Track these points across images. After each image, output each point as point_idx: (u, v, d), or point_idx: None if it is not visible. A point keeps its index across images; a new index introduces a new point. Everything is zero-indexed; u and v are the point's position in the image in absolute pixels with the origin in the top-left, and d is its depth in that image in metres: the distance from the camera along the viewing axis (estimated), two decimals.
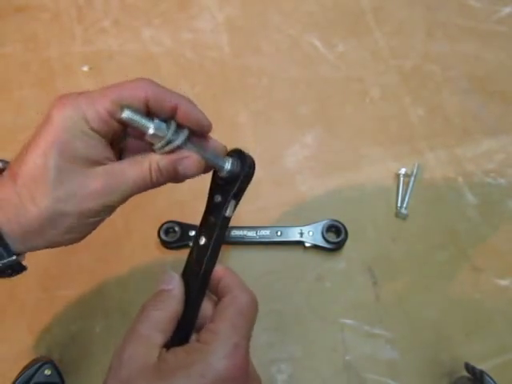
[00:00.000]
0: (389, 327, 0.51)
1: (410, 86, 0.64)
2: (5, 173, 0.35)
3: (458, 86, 0.64)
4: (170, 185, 0.38)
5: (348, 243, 0.54)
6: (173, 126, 0.35)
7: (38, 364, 0.45)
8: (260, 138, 0.61)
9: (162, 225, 0.54)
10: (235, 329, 0.33)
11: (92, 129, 0.34)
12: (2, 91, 0.64)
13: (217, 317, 0.34)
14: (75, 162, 0.33)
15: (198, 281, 0.37)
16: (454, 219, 0.56)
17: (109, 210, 0.36)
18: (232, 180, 0.37)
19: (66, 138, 0.33)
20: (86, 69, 0.65)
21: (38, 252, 0.54)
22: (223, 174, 0.37)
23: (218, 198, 0.37)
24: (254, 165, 0.37)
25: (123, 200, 0.36)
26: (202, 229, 0.38)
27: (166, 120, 0.35)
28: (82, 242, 0.55)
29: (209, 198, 0.38)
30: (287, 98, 0.64)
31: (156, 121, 0.34)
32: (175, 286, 0.37)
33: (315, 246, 0.54)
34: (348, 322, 0.52)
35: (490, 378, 0.43)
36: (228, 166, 0.37)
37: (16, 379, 0.45)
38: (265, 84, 0.64)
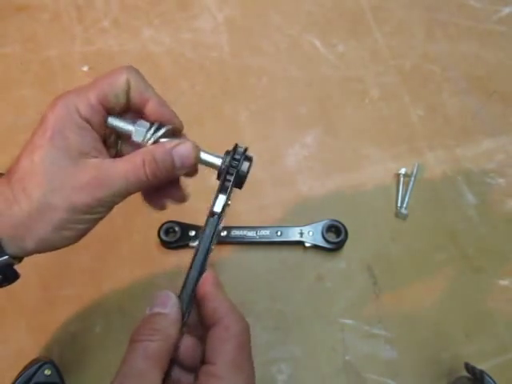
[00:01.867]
0: (388, 327, 0.51)
1: (410, 86, 0.64)
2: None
3: (457, 86, 0.64)
4: None
5: (348, 243, 0.54)
6: (154, 125, 0.36)
7: (37, 364, 0.45)
8: (260, 137, 0.61)
9: (162, 225, 0.54)
10: (239, 369, 0.31)
11: (83, 117, 0.35)
12: (2, 91, 0.64)
13: (215, 356, 0.31)
14: (67, 152, 0.33)
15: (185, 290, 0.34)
16: (454, 219, 0.56)
17: (101, 207, 0.35)
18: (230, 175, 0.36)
19: (58, 129, 0.34)
20: (85, 69, 0.65)
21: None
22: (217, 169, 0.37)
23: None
24: (246, 159, 0.36)
25: (116, 197, 0.35)
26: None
27: (148, 123, 0.36)
28: (82, 241, 0.55)
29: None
30: (287, 97, 0.64)
31: (137, 123, 0.36)
32: (172, 310, 0.32)
33: (315, 246, 0.54)
34: (348, 321, 0.52)
35: (490, 377, 0.43)
36: (217, 161, 0.37)
37: (16, 379, 0.45)
38: (265, 84, 0.64)
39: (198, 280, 0.34)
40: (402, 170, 0.58)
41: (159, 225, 0.54)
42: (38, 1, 0.70)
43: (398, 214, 0.56)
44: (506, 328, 0.51)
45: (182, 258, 0.54)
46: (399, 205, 0.56)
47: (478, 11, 0.68)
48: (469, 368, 0.46)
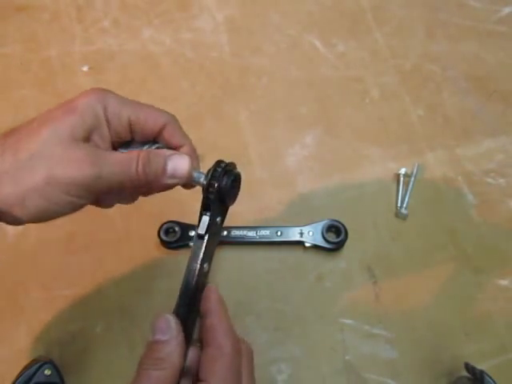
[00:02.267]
0: (388, 327, 0.51)
1: (410, 85, 0.64)
2: None
3: (457, 86, 0.64)
4: None
5: (348, 243, 0.54)
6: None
7: (37, 364, 0.45)
8: (260, 137, 0.61)
9: (162, 225, 0.54)
10: None
11: (107, 122, 0.36)
12: (2, 91, 0.64)
13: (206, 374, 0.32)
14: (73, 134, 0.34)
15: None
16: (454, 219, 0.56)
17: (82, 189, 0.34)
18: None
19: (80, 111, 0.34)
20: (85, 69, 0.65)
21: (38, 252, 0.55)
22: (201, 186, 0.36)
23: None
24: (226, 174, 0.36)
25: (101, 182, 0.34)
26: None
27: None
28: (82, 242, 0.55)
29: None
30: (287, 97, 0.64)
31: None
32: (172, 335, 0.33)
33: (315, 246, 0.54)
34: (348, 321, 0.52)
35: (490, 377, 0.43)
36: (201, 178, 0.36)
37: (16, 379, 0.45)
38: (265, 84, 0.64)
39: (191, 300, 0.35)
40: (402, 170, 0.58)
41: (159, 225, 0.54)
42: (38, 1, 0.70)
43: (398, 214, 0.56)
44: (506, 328, 0.51)
45: (182, 258, 0.54)
46: (399, 205, 0.56)
47: (478, 11, 0.68)
48: (469, 368, 0.46)
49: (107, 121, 0.36)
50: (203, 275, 0.36)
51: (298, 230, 0.54)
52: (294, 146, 0.60)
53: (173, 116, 0.39)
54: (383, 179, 0.58)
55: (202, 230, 0.35)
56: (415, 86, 0.64)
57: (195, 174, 0.36)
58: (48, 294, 0.53)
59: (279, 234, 0.54)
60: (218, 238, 0.38)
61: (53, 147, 0.33)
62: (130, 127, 0.37)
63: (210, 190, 0.35)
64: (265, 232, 0.54)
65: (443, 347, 0.50)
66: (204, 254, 0.35)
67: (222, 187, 0.35)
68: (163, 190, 0.38)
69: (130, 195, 0.40)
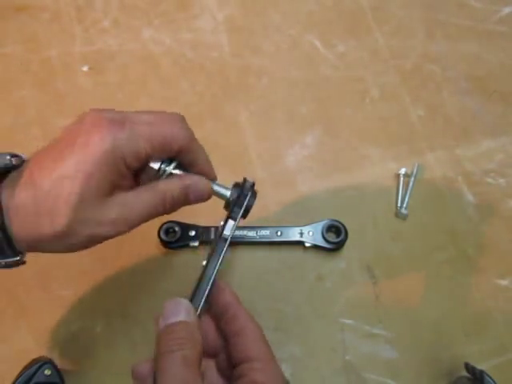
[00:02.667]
0: (389, 327, 0.51)
1: (410, 86, 0.64)
2: (23, 173, 0.34)
3: (457, 86, 0.64)
4: None
5: (348, 243, 0.54)
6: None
7: (37, 364, 0.45)
8: (260, 137, 0.61)
9: (162, 225, 0.54)
10: (276, 363, 0.35)
11: (127, 167, 0.35)
12: (2, 91, 0.64)
13: (250, 354, 0.34)
14: (99, 190, 0.34)
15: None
16: (454, 219, 0.56)
17: (118, 235, 0.36)
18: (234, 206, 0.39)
19: (99, 171, 0.33)
20: (85, 69, 0.65)
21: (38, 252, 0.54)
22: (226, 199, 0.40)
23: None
24: (253, 194, 0.40)
25: (134, 228, 0.37)
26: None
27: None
28: None
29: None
30: (287, 97, 0.64)
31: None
32: (189, 316, 0.34)
33: (315, 246, 0.54)
34: (348, 321, 0.52)
35: (490, 377, 0.43)
36: (227, 193, 0.40)
37: (16, 379, 0.45)
38: (265, 84, 0.64)
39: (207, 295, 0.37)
40: (402, 170, 0.58)
41: (159, 225, 0.54)
42: (38, 1, 0.70)
43: (398, 214, 0.56)
44: (506, 328, 0.51)
45: (182, 258, 0.54)
46: (399, 205, 0.56)
47: (478, 11, 0.68)
48: (469, 368, 0.46)
49: (126, 166, 0.35)
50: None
51: (298, 229, 0.54)
52: (294, 146, 0.60)
53: (188, 133, 0.38)
54: (383, 179, 0.58)
55: (227, 232, 0.39)
56: (415, 86, 0.64)
57: (215, 188, 0.40)
58: (48, 294, 0.53)
59: (279, 233, 0.54)
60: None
61: (88, 211, 0.34)
62: (148, 156, 0.37)
63: (239, 205, 0.39)
64: (265, 232, 0.54)
65: (443, 347, 0.50)
66: (222, 258, 0.39)
67: (248, 206, 0.40)
68: None
69: None
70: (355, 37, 0.67)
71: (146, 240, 0.55)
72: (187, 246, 0.54)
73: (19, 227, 0.33)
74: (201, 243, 0.54)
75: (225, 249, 0.38)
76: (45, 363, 0.46)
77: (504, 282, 0.53)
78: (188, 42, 0.67)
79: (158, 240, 0.54)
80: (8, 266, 0.35)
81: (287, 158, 0.60)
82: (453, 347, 0.50)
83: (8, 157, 0.34)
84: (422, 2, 0.69)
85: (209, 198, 0.39)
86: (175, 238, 0.54)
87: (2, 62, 0.66)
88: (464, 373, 0.47)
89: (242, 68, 0.65)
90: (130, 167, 0.35)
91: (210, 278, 0.37)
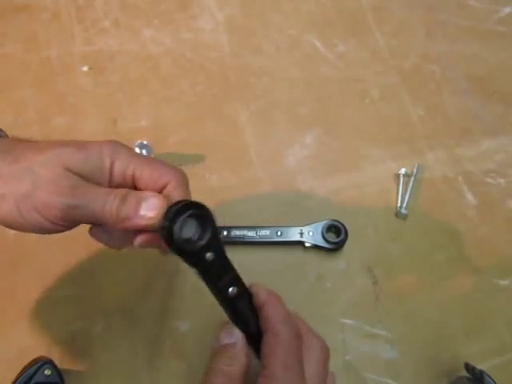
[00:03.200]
0: (389, 327, 0.51)
1: (410, 86, 0.64)
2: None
3: (457, 86, 0.64)
4: None
5: (348, 243, 0.54)
6: None
7: (37, 364, 0.45)
8: (260, 137, 0.61)
9: None
10: (289, 369, 0.34)
11: (110, 174, 0.37)
12: (2, 91, 0.64)
13: (266, 359, 0.35)
14: (73, 172, 0.36)
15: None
16: (454, 219, 0.56)
17: (60, 218, 0.36)
18: None
19: (85, 161, 0.36)
20: (85, 69, 0.65)
21: (39, 252, 0.54)
22: None
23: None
24: (174, 219, 0.33)
25: (80, 216, 0.36)
26: None
27: None
28: (83, 241, 0.55)
29: None
30: (287, 97, 0.64)
31: None
32: (238, 339, 0.37)
33: (315, 246, 0.54)
34: (348, 321, 0.52)
35: (490, 377, 0.43)
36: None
37: (16, 379, 0.45)
38: (265, 84, 0.64)
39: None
40: (402, 170, 0.58)
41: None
42: (38, 1, 0.70)
43: (398, 214, 0.56)
44: (506, 328, 0.51)
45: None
46: (399, 205, 0.56)
47: (478, 11, 0.68)
48: (469, 368, 0.46)
49: (111, 173, 0.37)
50: (235, 298, 0.37)
51: (297, 230, 0.54)
52: (294, 146, 0.60)
53: (180, 174, 0.38)
54: (383, 179, 0.58)
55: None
56: (415, 86, 0.64)
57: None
58: (48, 294, 0.53)
59: (279, 234, 0.54)
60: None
61: (47, 169, 0.35)
62: (134, 181, 0.38)
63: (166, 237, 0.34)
64: (265, 232, 0.54)
65: (443, 347, 0.50)
66: (208, 279, 0.36)
67: (179, 241, 0.33)
68: (144, 233, 0.38)
69: (117, 239, 0.40)
70: (355, 37, 0.67)
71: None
72: None
73: None
74: None
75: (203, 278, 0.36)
76: (45, 363, 0.45)
77: (504, 282, 0.53)
78: (188, 42, 0.67)
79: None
80: None
81: (287, 157, 0.60)
82: (453, 347, 0.50)
83: None
84: (422, 2, 0.69)
85: (159, 217, 0.36)
86: None
87: (1, 62, 0.66)
88: (464, 373, 0.47)
89: (242, 68, 0.65)
90: (113, 177, 0.37)
91: (220, 301, 0.37)
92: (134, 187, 0.38)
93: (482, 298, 0.52)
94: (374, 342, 0.51)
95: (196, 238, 0.34)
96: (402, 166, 0.58)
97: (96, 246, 0.54)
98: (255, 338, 0.37)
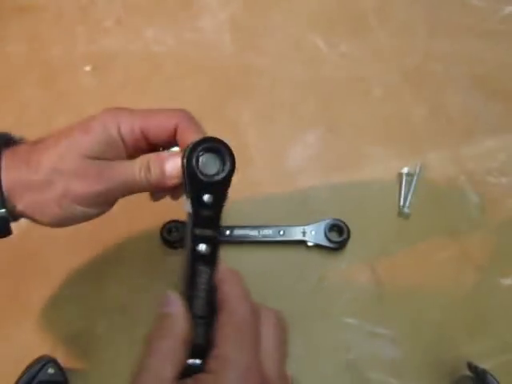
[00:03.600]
0: (391, 326, 0.51)
1: (413, 85, 0.64)
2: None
3: (460, 85, 0.64)
4: None
5: (350, 242, 0.54)
6: None
7: (41, 363, 0.46)
8: (262, 137, 0.61)
9: (165, 224, 0.54)
10: (241, 350, 0.31)
11: (120, 134, 0.38)
12: (5, 91, 0.64)
13: (218, 339, 0.32)
14: (88, 152, 0.37)
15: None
16: (457, 218, 0.56)
17: (98, 203, 0.39)
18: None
19: (96, 133, 0.38)
20: (88, 68, 0.66)
21: (41, 251, 0.55)
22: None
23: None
24: (195, 153, 0.35)
25: (115, 195, 0.39)
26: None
27: None
28: (86, 241, 0.55)
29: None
30: (290, 97, 0.64)
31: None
32: (174, 308, 0.34)
33: (318, 246, 0.54)
34: (350, 321, 0.52)
35: (493, 377, 0.43)
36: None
37: (20, 378, 0.45)
38: (267, 83, 0.64)
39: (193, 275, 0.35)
40: (405, 169, 0.58)
41: (162, 224, 0.54)
42: (41, 1, 0.70)
43: (400, 214, 0.56)
44: (509, 327, 0.51)
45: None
46: (402, 204, 0.56)
47: (480, 10, 0.68)
48: (471, 367, 0.46)
49: (122, 139, 0.38)
50: (200, 258, 0.35)
51: (300, 229, 0.54)
52: (297, 145, 0.60)
53: (184, 113, 0.40)
54: (386, 178, 0.58)
55: (187, 208, 0.35)
56: (418, 86, 0.64)
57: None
58: (51, 293, 0.53)
59: (281, 233, 0.54)
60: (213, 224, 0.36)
61: (68, 164, 0.37)
62: (145, 137, 0.39)
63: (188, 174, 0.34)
64: (267, 231, 0.54)
65: (446, 346, 0.50)
66: (192, 233, 0.34)
67: (193, 174, 0.34)
68: (177, 191, 0.40)
69: (153, 195, 0.43)
70: (358, 36, 0.67)
71: (148, 239, 0.55)
72: None
73: (6, 174, 0.37)
74: None
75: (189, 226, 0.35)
76: (48, 362, 0.46)
77: (507, 281, 0.53)
78: (190, 42, 0.67)
79: (160, 240, 0.54)
80: None
81: (290, 157, 0.60)
82: (456, 346, 0.50)
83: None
84: (425, 1, 0.69)
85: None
86: (178, 238, 0.54)
87: (5, 62, 0.66)
88: (467, 372, 0.47)
89: (245, 67, 0.65)
90: (123, 138, 0.38)
91: (185, 266, 0.35)
92: (148, 141, 0.39)
93: (485, 298, 0.52)
94: (376, 342, 0.51)
95: (215, 172, 0.35)
96: (405, 165, 0.58)
97: (99, 245, 0.55)
98: (209, 322, 0.34)
